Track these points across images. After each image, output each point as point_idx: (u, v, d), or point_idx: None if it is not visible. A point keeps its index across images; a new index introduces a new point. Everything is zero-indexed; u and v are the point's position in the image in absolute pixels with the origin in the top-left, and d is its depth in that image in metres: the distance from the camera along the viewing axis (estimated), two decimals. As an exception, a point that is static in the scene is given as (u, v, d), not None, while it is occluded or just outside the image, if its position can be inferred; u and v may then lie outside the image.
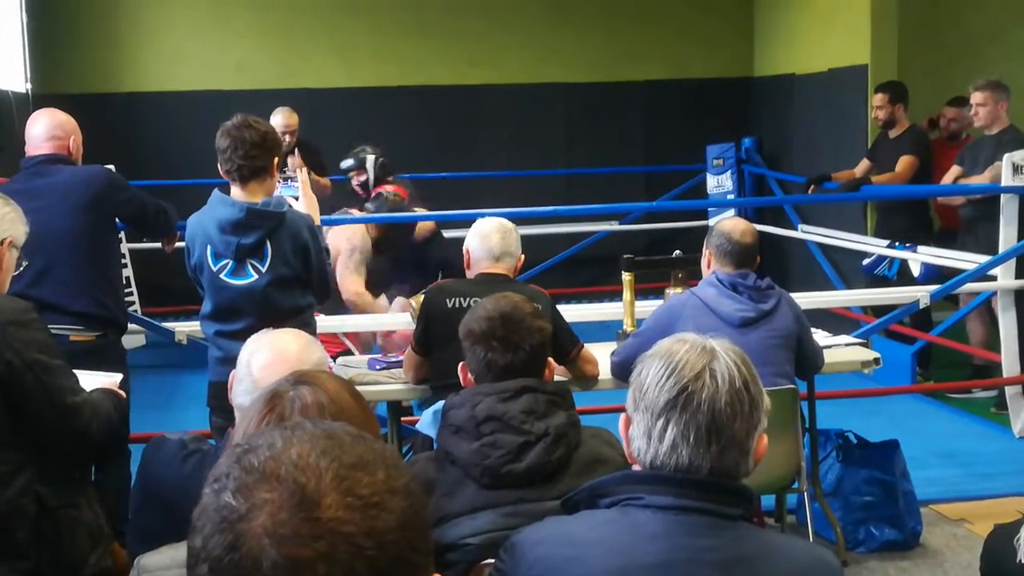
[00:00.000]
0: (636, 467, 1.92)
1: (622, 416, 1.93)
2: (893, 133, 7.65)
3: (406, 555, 1.00)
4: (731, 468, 1.85)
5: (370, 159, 6.82)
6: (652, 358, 1.90)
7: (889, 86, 7.70)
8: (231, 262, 4.09)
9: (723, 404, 1.83)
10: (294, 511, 0.98)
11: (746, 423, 1.85)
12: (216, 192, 4.17)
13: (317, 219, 4.42)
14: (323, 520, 0.97)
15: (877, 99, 7.66)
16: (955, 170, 7.08)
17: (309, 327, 4.07)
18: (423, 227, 6.53)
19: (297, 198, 4.54)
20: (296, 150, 7.32)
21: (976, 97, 6.97)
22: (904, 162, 7.41)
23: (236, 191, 4.13)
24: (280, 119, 7.44)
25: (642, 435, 1.87)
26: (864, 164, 7.83)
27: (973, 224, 6.91)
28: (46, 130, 4.57)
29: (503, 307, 3.00)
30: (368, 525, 0.98)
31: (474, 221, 4.47)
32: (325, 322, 5.30)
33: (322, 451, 1.03)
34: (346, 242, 6.00)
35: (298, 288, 4.20)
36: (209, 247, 4.11)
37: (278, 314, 3.93)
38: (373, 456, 1.04)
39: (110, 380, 3.65)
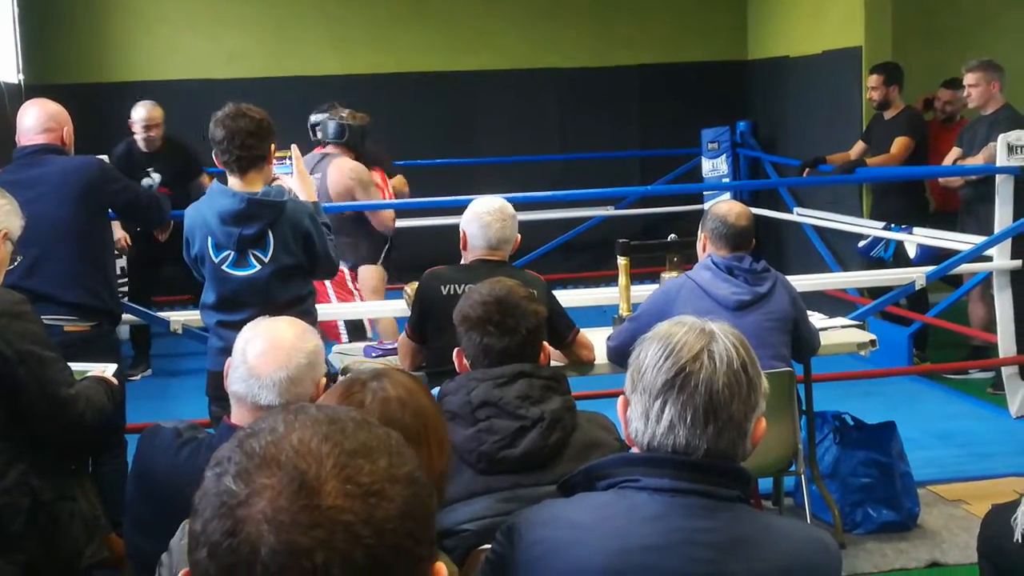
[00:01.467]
0: (634, 449, 1.92)
1: (620, 398, 1.93)
2: (888, 114, 7.64)
3: (407, 545, 0.99)
4: (728, 449, 1.85)
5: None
6: (651, 340, 1.90)
7: (884, 67, 7.68)
8: (233, 253, 4.07)
9: (720, 385, 1.83)
10: (293, 498, 0.97)
11: (744, 405, 1.85)
12: (215, 182, 4.15)
13: (313, 195, 4.38)
14: (322, 508, 0.96)
15: (872, 80, 7.65)
16: (955, 152, 7.08)
17: (310, 316, 4.06)
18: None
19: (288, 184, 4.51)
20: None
21: (968, 78, 6.97)
22: (899, 143, 7.41)
23: (235, 181, 4.10)
24: (142, 112, 7.19)
25: (640, 416, 1.87)
26: (859, 146, 7.82)
27: (972, 205, 6.91)
28: (40, 122, 4.56)
29: (498, 291, 2.99)
30: (367, 514, 0.97)
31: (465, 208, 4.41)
32: (323, 310, 5.30)
33: (324, 437, 1.01)
34: (353, 182, 6.01)
35: (300, 277, 4.19)
36: (210, 238, 4.09)
37: (281, 304, 3.93)
38: (376, 443, 1.03)
39: (102, 369, 3.65)
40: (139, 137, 7.22)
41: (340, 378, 2.42)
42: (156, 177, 7.19)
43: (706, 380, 1.83)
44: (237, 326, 3.86)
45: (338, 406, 1.09)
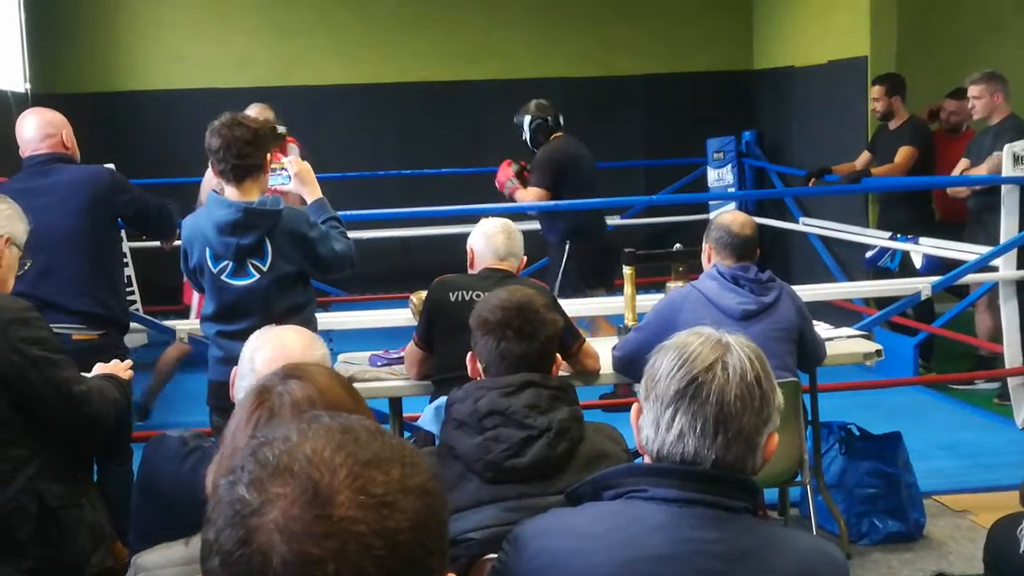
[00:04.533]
0: (645, 457, 1.92)
1: (634, 405, 1.94)
2: (892, 125, 7.65)
3: (418, 556, 0.99)
4: (737, 461, 1.85)
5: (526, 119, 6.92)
6: (667, 349, 1.91)
7: (886, 78, 7.70)
8: (231, 263, 4.07)
9: (732, 397, 1.83)
10: (306, 508, 0.97)
11: (755, 417, 1.85)
12: (211, 193, 4.15)
13: (317, 193, 4.36)
14: (334, 518, 0.96)
15: (874, 91, 7.67)
16: (963, 163, 7.08)
17: (311, 324, 4.06)
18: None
19: (287, 191, 4.48)
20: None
21: (972, 91, 6.99)
22: (903, 152, 7.41)
23: (231, 191, 4.10)
24: (252, 113, 7.26)
25: (651, 424, 1.88)
26: (864, 156, 7.83)
27: (980, 215, 6.90)
28: (39, 129, 4.58)
29: (519, 297, 3.01)
30: (380, 525, 0.97)
31: (473, 216, 4.48)
32: (324, 319, 5.30)
33: (337, 446, 1.01)
34: None
35: (300, 285, 4.19)
36: (208, 249, 4.09)
37: (280, 312, 3.93)
38: (389, 453, 1.03)
39: (117, 365, 3.65)
40: None
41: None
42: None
43: (718, 391, 1.83)
44: (237, 336, 3.89)
45: (350, 416, 1.09)
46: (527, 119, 6.95)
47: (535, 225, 7.19)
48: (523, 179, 6.91)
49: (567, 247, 6.74)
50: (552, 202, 6.64)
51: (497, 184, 7.07)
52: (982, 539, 3.35)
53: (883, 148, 7.64)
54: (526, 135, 6.96)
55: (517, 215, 5.89)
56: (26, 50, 8.71)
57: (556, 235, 6.85)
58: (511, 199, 6.83)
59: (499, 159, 9.24)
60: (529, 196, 6.72)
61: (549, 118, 6.93)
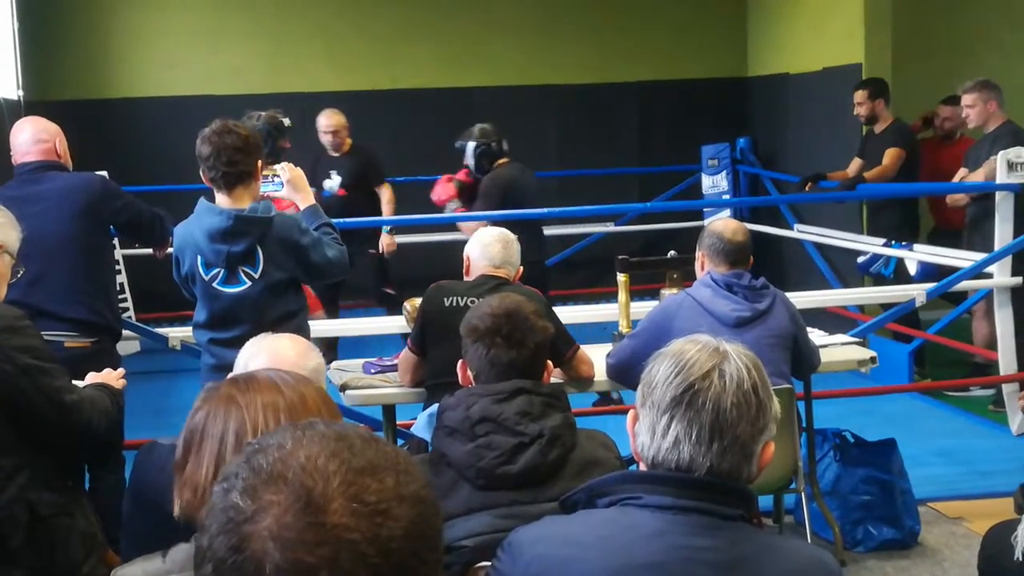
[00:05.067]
0: (640, 463, 1.92)
1: (631, 411, 1.93)
2: (878, 128, 7.73)
3: (411, 564, 0.99)
4: (732, 470, 1.84)
5: (470, 146, 6.84)
6: (664, 356, 1.90)
7: (868, 82, 7.77)
8: (222, 270, 4.06)
9: (728, 404, 1.83)
10: (299, 515, 0.97)
11: (751, 426, 1.84)
12: (202, 200, 4.13)
13: (309, 200, 4.35)
14: (328, 526, 0.96)
15: (857, 96, 7.73)
16: (962, 172, 7.10)
17: (303, 331, 4.05)
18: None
19: (280, 198, 4.48)
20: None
21: (965, 99, 7.01)
22: (890, 154, 7.45)
23: (222, 198, 4.09)
24: (321, 120, 7.55)
25: (647, 431, 1.87)
26: (856, 163, 7.85)
27: (979, 222, 6.90)
28: (31, 135, 4.59)
29: (508, 305, 3.01)
30: (373, 533, 0.97)
31: (467, 222, 4.48)
32: (318, 326, 5.29)
33: (331, 454, 1.01)
34: None
35: (292, 292, 4.18)
36: (199, 256, 4.08)
37: (272, 320, 3.91)
38: (383, 461, 1.02)
39: (110, 374, 3.63)
40: (324, 142, 7.56)
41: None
42: (336, 179, 7.47)
43: (714, 399, 1.83)
44: (229, 343, 3.89)
45: (345, 423, 1.08)
46: (471, 145, 6.82)
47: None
48: (465, 195, 6.85)
49: None
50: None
51: (435, 201, 6.99)
52: (977, 546, 3.35)
53: (871, 152, 7.68)
54: (470, 160, 6.82)
55: (511, 222, 5.86)
56: (19, 57, 8.70)
57: None
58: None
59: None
60: (473, 228, 6.55)
61: (493, 143, 6.81)
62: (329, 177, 7.46)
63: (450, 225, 7.49)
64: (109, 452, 4.20)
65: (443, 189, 6.94)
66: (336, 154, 7.55)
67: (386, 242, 7.49)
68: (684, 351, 1.89)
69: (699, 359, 1.87)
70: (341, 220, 6.37)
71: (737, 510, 1.85)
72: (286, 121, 6.46)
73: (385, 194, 7.54)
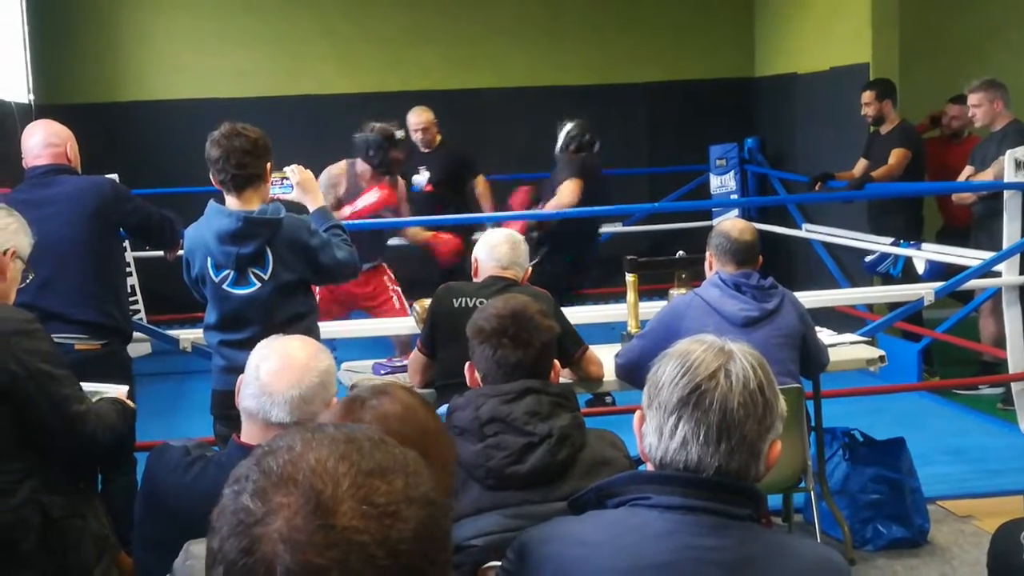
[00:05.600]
0: (648, 464, 1.92)
1: (637, 412, 1.94)
2: (884, 129, 7.72)
3: (421, 566, 1.00)
4: (740, 469, 1.85)
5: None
6: (669, 356, 1.91)
7: (876, 83, 7.77)
8: (232, 272, 4.08)
9: (735, 404, 1.83)
10: (309, 518, 0.97)
11: (758, 425, 1.85)
12: (212, 203, 4.14)
13: (319, 202, 4.37)
14: (338, 528, 0.97)
15: (865, 96, 7.73)
16: (968, 170, 7.11)
17: (313, 333, 4.06)
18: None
19: (290, 203, 4.50)
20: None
21: (972, 99, 7.02)
22: (896, 154, 7.46)
23: (231, 200, 4.11)
24: (411, 117, 7.69)
25: (654, 431, 1.88)
26: (862, 164, 7.85)
27: (985, 221, 6.91)
28: (42, 139, 4.60)
29: (513, 305, 3.02)
30: (382, 535, 0.98)
31: (475, 224, 4.50)
32: (327, 327, 5.30)
33: (340, 456, 1.02)
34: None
35: (301, 293, 4.19)
36: (209, 258, 4.10)
37: (282, 321, 3.93)
38: (392, 463, 1.03)
39: (117, 391, 3.66)
40: (414, 139, 7.69)
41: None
42: (425, 175, 7.65)
43: (721, 399, 1.83)
44: (239, 345, 3.90)
45: (353, 425, 1.09)
46: (568, 126, 7.24)
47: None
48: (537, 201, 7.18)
49: (542, 252, 6.86)
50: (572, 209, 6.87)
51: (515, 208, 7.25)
52: (986, 544, 3.34)
53: (876, 153, 7.68)
54: (559, 141, 7.21)
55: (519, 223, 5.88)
56: (29, 61, 8.73)
57: (539, 237, 7.01)
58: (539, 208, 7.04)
59: (500, 167, 9.26)
60: (566, 190, 6.93)
61: (587, 137, 7.20)
62: (418, 173, 7.64)
63: (460, 227, 7.50)
64: (120, 453, 4.21)
65: (521, 202, 7.29)
66: (426, 150, 7.71)
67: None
68: (690, 351, 1.89)
69: (705, 359, 1.87)
70: (431, 218, 6.83)
71: (746, 510, 1.85)
72: (399, 134, 6.62)
73: (479, 187, 7.85)
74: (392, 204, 6.43)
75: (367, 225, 6.14)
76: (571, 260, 7.08)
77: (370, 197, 6.24)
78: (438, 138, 7.76)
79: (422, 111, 7.73)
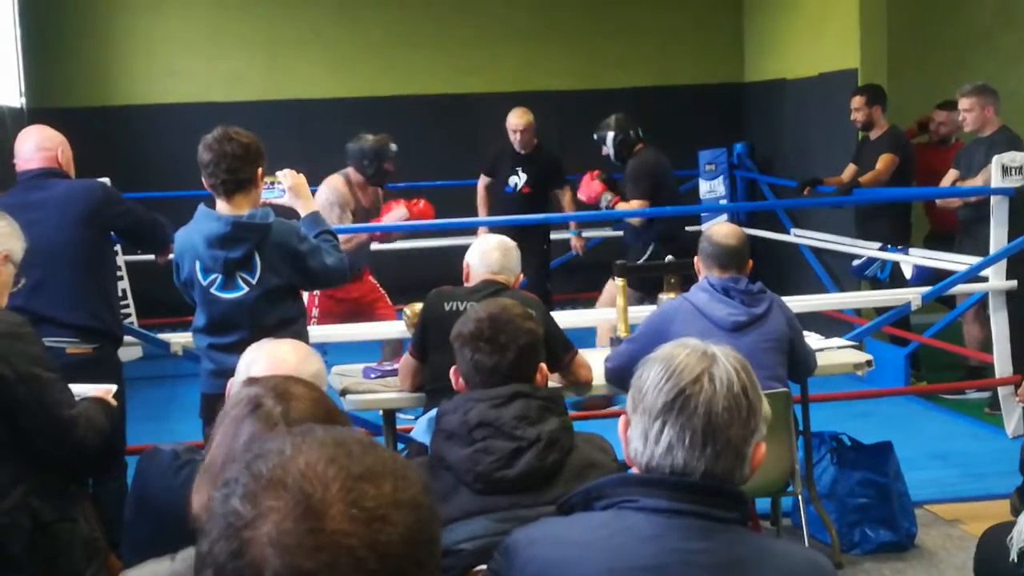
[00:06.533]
0: (633, 469, 1.93)
1: (622, 418, 1.94)
2: (873, 135, 7.73)
3: (410, 570, 1.00)
4: (726, 472, 1.85)
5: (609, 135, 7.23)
6: (653, 361, 1.91)
7: (866, 89, 7.78)
8: (220, 276, 4.09)
9: (720, 408, 1.83)
10: (299, 521, 0.98)
11: (743, 429, 1.85)
12: (202, 207, 4.15)
13: (311, 207, 4.39)
14: (327, 532, 0.97)
15: (854, 102, 7.74)
16: (952, 174, 7.13)
17: (302, 337, 4.07)
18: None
19: (281, 207, 4.51)
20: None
21: (963, 103, 7.03)
22: (884, 160, 7.48)
23: (221, 205, 4.12)
24: (510, 119, 7.75)
25: (639, 436, 1.88)
26: (850, 169, 7.86)
27: (970, 226, 6.94)
28: (35, 143, 4.61)
29: (491, 309, 3.03)
30: (371, 538, 0.98)
31: (467, 229, 4.51)
32: (317, 332, 5.31)
33: (330, 460, 1.02)
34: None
35: (289, 298, 4.20)
36: (198, 262, 4.11)
37: (270, 325, 3.94)
38: (382, 467, 1.03)
39: (103, 389, 3.66)
40: (512, 140, 7.79)
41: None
42: (522, 176, 7.76)
43: (705, 403, 1.84)
44: (228, 348, 3.92)
45: (342, 429, 1.10)
46: (610, 135, 7.23)
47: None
48: (613, 189, 7.26)
49: (650, 250, 6.97)
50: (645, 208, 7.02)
51: (586, 199, 7.37)
52: (973, 548, 3.38)
53: (865, 158, 7.70)
54: (609, 150, 7.24)
55: (509, 227, 5.88)
56: (22, 65, 8.73)
57: (642, 239, 7.11)
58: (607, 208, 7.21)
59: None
60: (633, 207, 7.02)
61: (632, 131, 7.23)
62: (515, 174, 7.75)
63: (451, 231, 7.54)
64: (99, 467, 4.20)
65: (590, 187, 7.29)
66: (523, 151, 7.78)
67: (578, 244, 8.37)
68: (673, 356, 1.89)
69: (688, 363, 1.87)
70: (522, 217, 7.05)
71: (732, 513, 1.86)
72: (393, 147, 6.70)
73: (566, 196, 7.96)
74: (429, 218, 6.55)
75: (367, 228, 6.29)
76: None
77: (397, 214, 6.37)
78: (535, 141, 7.82)
79: (523, 113, 7.77)
